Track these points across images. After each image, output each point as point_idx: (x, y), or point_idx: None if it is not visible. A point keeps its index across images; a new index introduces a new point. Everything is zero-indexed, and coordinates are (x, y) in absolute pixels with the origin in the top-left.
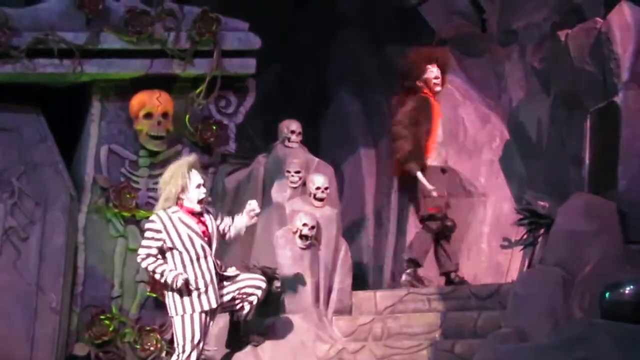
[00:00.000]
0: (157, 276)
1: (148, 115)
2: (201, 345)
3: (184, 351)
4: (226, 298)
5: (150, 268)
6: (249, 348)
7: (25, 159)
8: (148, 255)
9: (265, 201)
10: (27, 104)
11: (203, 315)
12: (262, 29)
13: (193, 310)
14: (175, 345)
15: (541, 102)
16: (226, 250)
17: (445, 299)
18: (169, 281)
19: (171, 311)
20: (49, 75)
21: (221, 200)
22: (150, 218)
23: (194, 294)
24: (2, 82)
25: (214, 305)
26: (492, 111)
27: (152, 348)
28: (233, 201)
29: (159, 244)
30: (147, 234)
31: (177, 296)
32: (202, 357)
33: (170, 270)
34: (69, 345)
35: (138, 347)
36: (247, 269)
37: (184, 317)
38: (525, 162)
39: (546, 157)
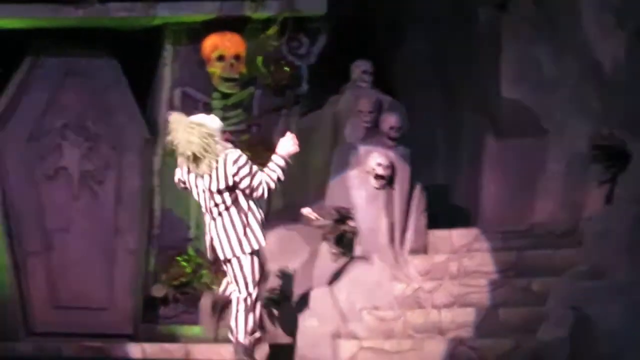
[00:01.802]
0: (281, 175)
1: (220, 58)
2: None
3: (253, 291)
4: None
5: (274, 176)
6: (325, 288)
7: (99, 103)
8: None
9: (339, 142)
10: (101, 49)
11: None
12: None
13: (260, 245)
14: (243, 286)
15: (616, 37)
16: (301, 191)
17: (521, 237)
18: (287, 157)
19: (244, 248)
20: (121, 20)
21: None
22: (237, 152)
23: (259, 228)
24: (75, 27)
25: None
26: (567, 47)
27: None
28: (305, 144)
29: None
30: (246, 160)
31: (250, 229)
32: (275, 296)
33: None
34: (147, 287)
35: (214, 288)
36: (322, 209)
37: (254, 254)
38: (601, 99)
39: (623, 93)
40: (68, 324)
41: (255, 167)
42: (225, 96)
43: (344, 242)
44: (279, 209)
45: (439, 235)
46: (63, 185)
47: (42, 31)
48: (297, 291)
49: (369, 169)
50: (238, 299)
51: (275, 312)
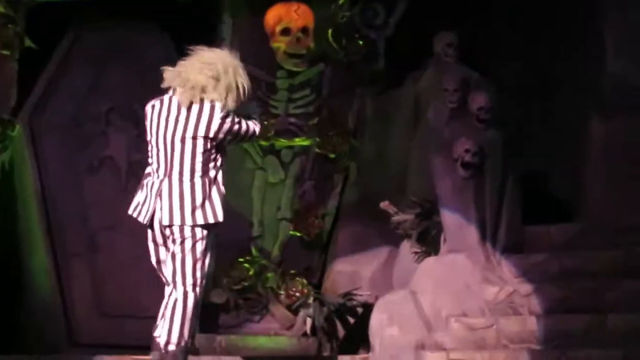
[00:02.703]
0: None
1: (285, 31)
2: None
3: (198, 284)
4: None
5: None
6: (407, 292)
7: (149, 84)
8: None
9: (421, 125)
10: (150, 23)
11: None
12: None
13: (217, 222)
14: (180, 277)
15: None
16: (378, 182)
17: (631, 233)
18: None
19: (197, 218)
20: None
21: (369, 126)
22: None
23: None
24: None
25: None
26: None
27: (297, 294)
28: (382, 127)
29: None
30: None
31: (210, 202)
32: (355, 302)
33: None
34: (205, 293)
35: (282, 292)
36: (402, 202)
37: (208, 231)
38: None
39: None
40: (116, 334)
41: (239, 119)
42: (291, 74)
43: (428, 239)
44: (353, 203)
45: (536, 232)
46: (109, 177)
47: (84, 3)
48: (375, 296)
49: (455, 156)
50: (176, 298)
51: (350, 319)
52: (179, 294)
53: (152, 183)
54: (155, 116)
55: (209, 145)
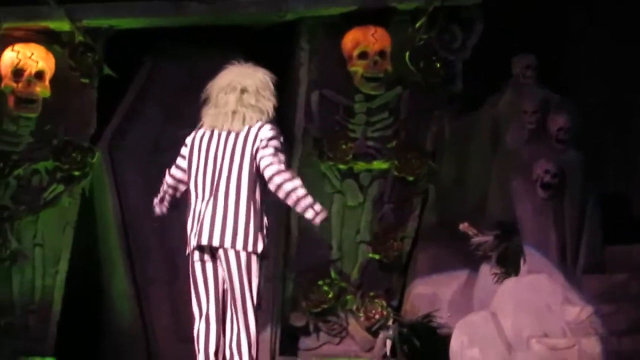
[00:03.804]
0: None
1: (363, 55)
2: None
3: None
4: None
5: (309, 198)
6: (487, 313)
7: None
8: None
9: (499, 147)
10: (227, 49)
11: None
12: None
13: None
14: (252, 295)
15: None
16: (457, 204)
17: None
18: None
19: (248, 244)
20: (249, 15)
21: (447, 149)
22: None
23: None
24: (200, 25)
25: None
26: None
27: (377, 316)
28: (461, 149)
29: None
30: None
31: (264, 228)
32: (435, 324)
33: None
34: (285, 316)
35: (361, 315)
36: (480, 223)
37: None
38: None
39: None
40: (195, 359)
41: (281, 163)
42: (368, 98)
43: (508, 260)
44: (432, 225)
45: (617, 251)
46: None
47: (162, 31)
48: (455, 318)
49: (535, 177)
50: (239, 329)
51: (431, 342)
52: (242, 324)
53: (200, 210)
54: (204, 147)
55: (255, 168)
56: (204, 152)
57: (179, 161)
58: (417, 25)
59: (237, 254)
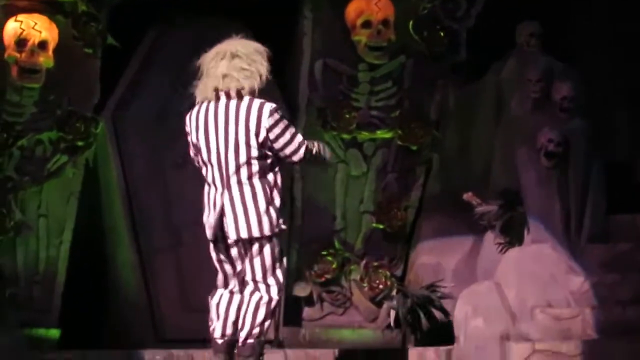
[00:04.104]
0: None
1: (366, 24)
2: None
3: (277, 292)
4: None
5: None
6: (491, 283)
7: None
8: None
9: (504, 116)
10: (231, 18)
11: None
12: None
13: (281, 230)
14: (273, 274)
15: None
16: (461, 173)
17: None
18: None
19: (264, 228)
20: None
21: (451, 118)
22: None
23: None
24: None
25: None
26: None
27: (380, 286)
28: (465, 118)
29: None
30: (282, 114)
31: (274, 208)
32: (439, 294)
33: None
34: (289, 286)
35: (365, 285)
36: (486, 193)
37: (276, 238)
38: None
39: None
40: (201, 328)
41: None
42: (372, 67)
43: (512, 230)
44: (436, 194)
45: (621, 221)
46: (193, 173)
47: (166, 1)
48: (459, 287)
49: (539, 146)
50: (261, 296)
51: (435, 311)
52: (264, 292)
53: (214, 198)
54: (201, 127)
55: (263, 151)
56: (202, 136)
57: (190, 140)
58: None
59: (258, 240)
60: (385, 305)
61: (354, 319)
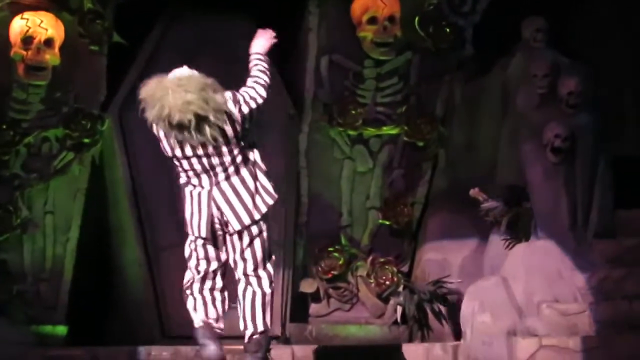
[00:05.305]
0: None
1: (372, 20)
2: None
3: (271, 274)
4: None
5: (262, 81)
6: (498, 278)
7: (237, 75)
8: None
9: (510, 112)
10: (238, 14)
11: None
12: None
13: (274, 200)
14: (262, 269)
15: None
16: (467, 169)
17: None
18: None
19: (260, 207)
20: None
21: (457, 114)
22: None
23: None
24: None
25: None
26: None
27: (387, 282)
28: (471, 114)
29: None
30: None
31: (260, 183)
32: (446, 290)
33: None
34: (295, 282)
35: (372, 281)
36: (492, 189)
37: (266, 218)
38: None
39: None
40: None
41: (245, 91)
42: (378, 63)
43: (518, 226)
44: (443, 190)
45: (628, 216)
46: None
47: None
48: (466, 283)
49: (545, 142)
50: (254, 291)
51: (442, 307)
52: (255, 286)
53: (199, 199)
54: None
55: (239, 134)
56: (178, 149)
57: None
58: None
59: (248, 227)
60: (392, 302)
61: (361, 315)
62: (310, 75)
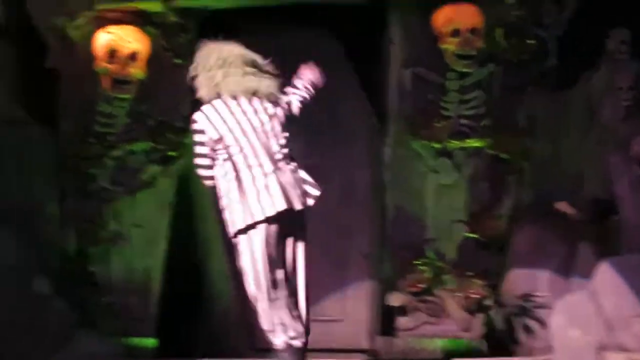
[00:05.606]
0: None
1: (455, 32)
2: None
3: None
4: None
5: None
6: (587, 292)
7: (321, 87)
8: None
9: (595, 124)
10: (318, 27)
11: None
12: None
13: None
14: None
15: None
16: (554, 182)
17: None
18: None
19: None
20: None
21: (541, 126)
22: None
23: None
24: (289, 4)
25: None
26: None
27: (475, 296)
28: (556, 126)
29: None
30: None
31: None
32: (534, 304)
33: None
34: (382, 295)
35: (459, 294)
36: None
37: None
38: None
39: None
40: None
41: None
42: (461, 76)
43: (607, 239)
44: (529, 204)
45: None
46: None
47: (254, 10)
48: (553, 298)
49: (633, 154)
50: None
51: (529, 322)
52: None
53: (258, 180)
54: (230, 121)
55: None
56: (236, 125)
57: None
58: (510, 1)
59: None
60: (479, 315)
61: (449, 329)
62: (393, 88)
